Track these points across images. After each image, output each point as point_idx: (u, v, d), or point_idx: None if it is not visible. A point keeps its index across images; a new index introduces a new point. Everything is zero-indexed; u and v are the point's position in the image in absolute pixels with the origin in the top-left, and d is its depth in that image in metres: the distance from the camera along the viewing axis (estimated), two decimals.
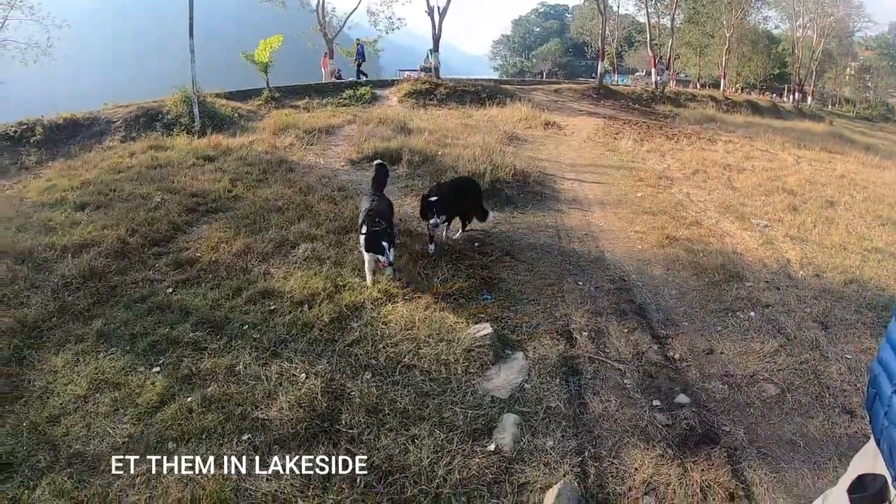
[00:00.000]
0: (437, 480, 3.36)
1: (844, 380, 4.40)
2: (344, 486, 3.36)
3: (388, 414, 3.87)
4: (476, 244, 6.59)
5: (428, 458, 3.49)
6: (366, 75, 25.39)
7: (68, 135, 13.07)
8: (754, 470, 3.53)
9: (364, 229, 5.40)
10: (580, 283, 5.80)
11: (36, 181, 9.51)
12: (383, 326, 4.85)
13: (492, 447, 3.60)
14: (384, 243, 5.19)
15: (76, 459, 3.72)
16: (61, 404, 4.20)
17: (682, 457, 3.61)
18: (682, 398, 4.14)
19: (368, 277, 5.56)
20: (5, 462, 3.72)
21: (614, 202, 8.62)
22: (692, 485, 3.39)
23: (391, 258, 5.24)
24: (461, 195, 6.66)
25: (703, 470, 3.49)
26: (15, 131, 12.80)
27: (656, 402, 4.09)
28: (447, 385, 4.14)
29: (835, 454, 3.65)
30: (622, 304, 5.40)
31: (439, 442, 3.62)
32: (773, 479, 3.46)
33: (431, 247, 6.38)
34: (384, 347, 4.56)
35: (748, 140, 15.40)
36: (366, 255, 5.47)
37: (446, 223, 6.66)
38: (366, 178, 9.26)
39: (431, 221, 6.15)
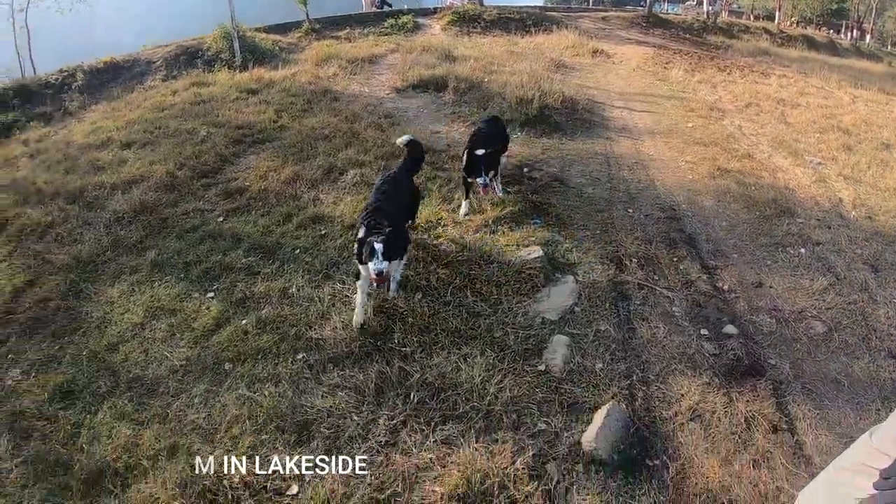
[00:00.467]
0: (488, 398, 3.36)
1: (892, 324, 4.22)
2: (398, 401, 3.39)
3: (440, 333, 3.86)
4: (525, 169, 6.40)
5: (479, 376, 3.49)
6: (389, 5, 24.14)
7: (109, 78, 12.89)
8: (798, 405, 3.45)
9: (359, 233, 4.03)
10: (630, 210, 5.61)
11: (80, 125, 9.46)
12: (434, 248, 4.79)
13: (542, 367, 3.58)
14: (376, 246, 3.70)
15: (136, 383, 3.84)
16: (119, 332, 4.32)
17: (728, 386, 3.54)
18: (729, 329, 4.04)
19: (358, 298, 4.04)
20: (67, 389, 3.87)
21: (665, 132, 8.26)
22: (737, 414, 3.34)
23: (383, 267, 3.72)
24: (499, 137, 5.79)
25: (748, 401, 3.43)
26: (56, 79, 12.63)
27: (704, 332, 4.00)
28: (498, 306, 4.10)
29: (878, 397, 3.55)
30: (672, 233, 5.23)
31: (490, 361, 3.61)
32: (816, 416, 3.38)
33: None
34: (435, 269, 4.50)
35: (803, 76, 14.54)
36: (360, 268, 4.00)
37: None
38: (411, 106, 9.04)
39: (479, 181, 5.22)
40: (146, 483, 3.12)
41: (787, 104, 10.67)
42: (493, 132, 5.69)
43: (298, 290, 4.44)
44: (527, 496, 2.83)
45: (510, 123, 7.72)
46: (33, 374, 4.07)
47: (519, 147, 7.07)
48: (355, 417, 3.33)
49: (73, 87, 12.30)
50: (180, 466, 3.16)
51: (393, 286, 4.22)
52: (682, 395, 3.45)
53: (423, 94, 9.84)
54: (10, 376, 4.11)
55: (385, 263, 3.74)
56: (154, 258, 5.11)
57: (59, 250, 5.44)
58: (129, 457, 3.30)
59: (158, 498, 3.02)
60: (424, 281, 4.37)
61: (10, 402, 3.87)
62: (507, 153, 5.99)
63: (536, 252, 4.53)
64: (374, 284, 3.89)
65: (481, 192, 5.41)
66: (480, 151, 5.17)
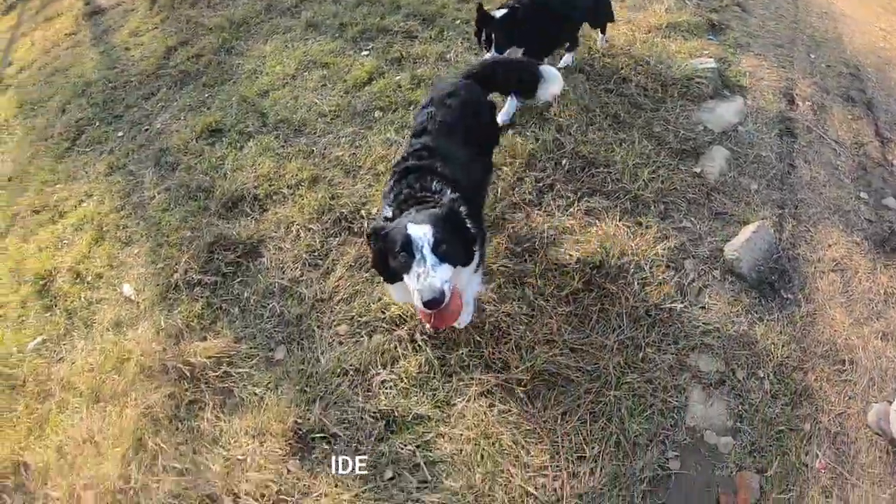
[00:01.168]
0: (638, 183, 3.00)
1: None
2: (548, 165, 3.14)
3: (599, 115, 3.42)
4: None
5: (633, 161, 3.10)
6: None
7: None
8: None
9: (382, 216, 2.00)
10: (812, 55, 4.63)
11: None
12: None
13: (697, 170, 3.14)
14: (414, 232, 1.69)
15: (283, 124, 3.74)
16: (270, 82, 4.17)
17: (876, 255, 3.04)
18: (890, 201, 3.41)
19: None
20: (215, 129, 3.83)
21: None
22: (878, 284, 2.88)
23: (439, 282, 1.63)
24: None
25: (891, 276, 2.94)
26: None
27: (863, 195, 3.40)
28: (661, 104, 3.57)
29: None
30: (852, 90, 4.32)
31: (646, 151, 3.19)
32: None
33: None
34: (600, 57, 3.95)
35: None
36: (390, 290, 2.05)
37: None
38: None
39: (488, 53, 3.13)
40: (283, 207, 3.13)
41: None
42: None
43: (456, 56, 4.09)
44: (660, 283, 2.56)
45: None
46: (182, 118, 4.07)
47: None
48: (504, 170, 3.12)
49: None
50: (319, 195, 3.11)
51: (465, 316, 2.24)
52: (830, 245, 2.99)
53: None
54: (159, 121, 4.16)
55: (444, 271, 1.67)
56: (309, 19, 4.81)
57: (211, 14, 5.25)
58: (269, 185, 3.28)
59: (294, 221, 3.02)
60: (588, 66, 3.85)
61: (157, 141, 3.93)
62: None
63: (709, 63, 3.83)
64: (427, 327, 1.94)
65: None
66: (499, 12, 3.11)
